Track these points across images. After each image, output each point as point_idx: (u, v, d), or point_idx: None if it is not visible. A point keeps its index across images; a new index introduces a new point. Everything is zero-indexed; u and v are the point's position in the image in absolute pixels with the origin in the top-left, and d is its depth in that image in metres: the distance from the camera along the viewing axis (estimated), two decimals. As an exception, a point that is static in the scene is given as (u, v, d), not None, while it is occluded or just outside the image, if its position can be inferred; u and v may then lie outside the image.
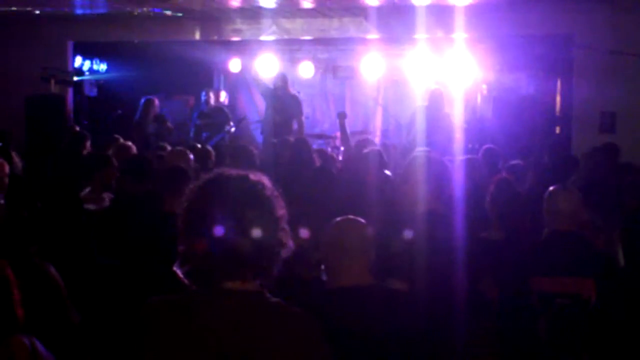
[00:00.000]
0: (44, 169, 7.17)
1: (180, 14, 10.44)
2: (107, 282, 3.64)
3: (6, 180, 5.21)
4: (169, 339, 1.96)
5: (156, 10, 10.13)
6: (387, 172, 5.90)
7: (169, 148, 7.63)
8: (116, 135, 8.18)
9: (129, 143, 7.25)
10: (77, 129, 9.27)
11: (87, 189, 5.61)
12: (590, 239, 3.98)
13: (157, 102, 10.67)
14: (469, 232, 3.54)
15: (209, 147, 7.70)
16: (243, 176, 2.09)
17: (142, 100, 10.71)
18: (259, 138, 11.22)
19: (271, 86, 10.29)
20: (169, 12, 10.16)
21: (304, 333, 2.00)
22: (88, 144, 7.88)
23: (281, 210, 2.08)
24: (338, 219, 3.02)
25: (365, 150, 5.92)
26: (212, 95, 11.22)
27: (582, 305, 3.54)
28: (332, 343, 2.07)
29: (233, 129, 10.93)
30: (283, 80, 10.24)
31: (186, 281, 2.03)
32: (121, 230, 4.25)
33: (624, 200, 5.05)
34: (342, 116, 8.94)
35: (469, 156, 6.26)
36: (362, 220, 3.01)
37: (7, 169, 5.32)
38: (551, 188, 3.89)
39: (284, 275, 2.10)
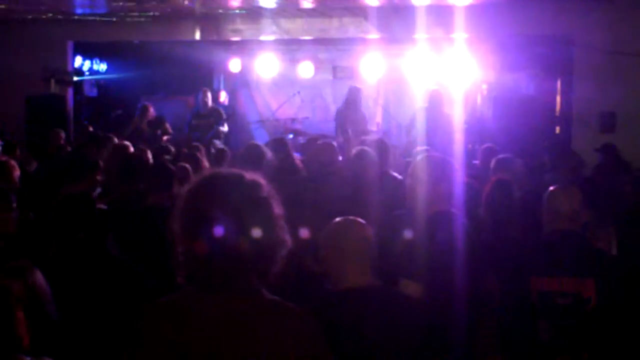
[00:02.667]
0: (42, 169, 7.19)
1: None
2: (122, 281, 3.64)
3: (17, 183, 5.18)
4: (168, 339, 1.96)
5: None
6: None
7: (172, 149, 7.64)
8: (110, 135, 8.19)
9: (126, 143, 7.21)
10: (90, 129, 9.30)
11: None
12: (590, 238, 3.97)
13: (151, 109, 10.73)
14: (471, 233, 3.53)
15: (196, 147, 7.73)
16: (239, 176, 2.09)
17: (139, 105, 10.78)
18: (259, 138, 11.23)
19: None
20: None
21: (302, 330, 2.00)
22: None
23: (277, 209, 2.08)
24: (337, 219, 3.01)
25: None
26: (208, 95, 11.21)
27: (583, 305, 3.53)
28: (336, 345, 2.06)
29: (225, 129, 10.88)
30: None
31: (184, 280, 2.03)
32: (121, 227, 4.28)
33: (624, 194, 5.06)
34: (340, 114, 8.97)
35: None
36: (362, 221, 3.00)
37: (17, 172, 5.28)
38: (551, 188, 3.88)
39: (295, 270, 2.09)
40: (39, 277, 2.86)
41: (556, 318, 3.59)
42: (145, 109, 10.62)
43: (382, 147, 5.81)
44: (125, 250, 4.08)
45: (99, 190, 5.51)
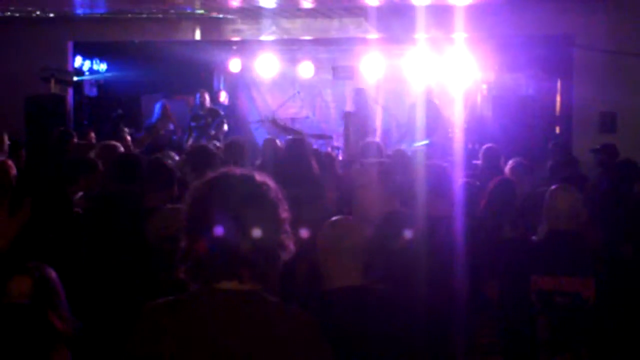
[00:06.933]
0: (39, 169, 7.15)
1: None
2: (99, 284, 3.60)
3: (12, 182, 5.14)
4: (168, 342, 1.96)
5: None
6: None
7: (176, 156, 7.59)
8: (123, 134, 8.20)
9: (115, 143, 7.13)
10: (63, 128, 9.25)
11: (80, 194, 5.42)
12: (590, 239, 3.98)
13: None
14: (469, 233, 3.54)
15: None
16: (248, 176, 2.07)
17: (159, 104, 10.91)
18: (259, 138, 11.24)
19: None
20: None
21: (303, 332, 1.99)
22: (74, 141, 7.92)
23: (284, 212, 2.07)
24: (333, 219, 3.02)
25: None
26: (206, 96, 11.21)
27: (582, 304, 3.54)
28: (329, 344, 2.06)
29: (225, 128, 10.88)
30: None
31: (184, 278, 2.03)
32: (102, 228, 4.23)
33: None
34: (347, 116, 9.00)
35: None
36: (357, 221, 3.00)
37: (14, 172, 5.23)
38: (551, 187, 3.89)
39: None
40: (52, 276, 2.86)
41: (555, 317, 3.59)
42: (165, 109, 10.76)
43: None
44: (113, 251, 4.02)
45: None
